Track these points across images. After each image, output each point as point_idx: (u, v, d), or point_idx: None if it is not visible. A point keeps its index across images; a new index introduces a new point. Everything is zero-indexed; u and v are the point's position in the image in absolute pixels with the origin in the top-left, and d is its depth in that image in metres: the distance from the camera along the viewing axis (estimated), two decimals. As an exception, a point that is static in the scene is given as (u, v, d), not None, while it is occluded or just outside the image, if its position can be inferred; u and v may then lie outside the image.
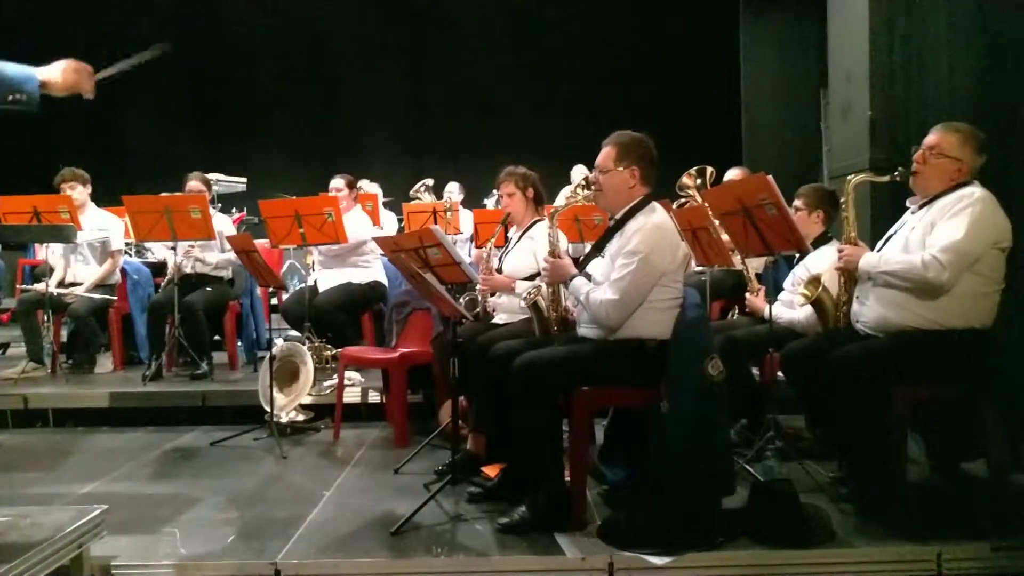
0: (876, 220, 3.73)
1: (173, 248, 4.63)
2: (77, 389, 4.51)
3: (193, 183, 4.94)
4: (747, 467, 2.98)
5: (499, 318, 3.49)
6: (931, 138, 2.72)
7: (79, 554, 2.19)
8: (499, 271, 3.52)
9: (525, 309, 3.05)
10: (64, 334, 5.20)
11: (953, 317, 2.57)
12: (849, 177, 2.90)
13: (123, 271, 5.17)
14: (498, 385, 2.75)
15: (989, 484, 2.73)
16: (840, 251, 2.83)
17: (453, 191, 7.10)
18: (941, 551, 2.32)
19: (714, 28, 8.47)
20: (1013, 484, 2.77)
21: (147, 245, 5.80)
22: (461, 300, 3.49)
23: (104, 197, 5.32)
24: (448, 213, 5.81)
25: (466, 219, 6.39)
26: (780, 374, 3.13)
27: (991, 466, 2.72)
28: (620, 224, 2.67)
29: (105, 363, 5.04)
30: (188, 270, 4.84)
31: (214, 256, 4.88)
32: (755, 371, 3.59)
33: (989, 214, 2.56)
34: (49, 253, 4.98)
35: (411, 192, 7.02)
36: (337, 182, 4.86)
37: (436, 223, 5.63)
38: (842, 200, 2.91)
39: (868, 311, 2.72)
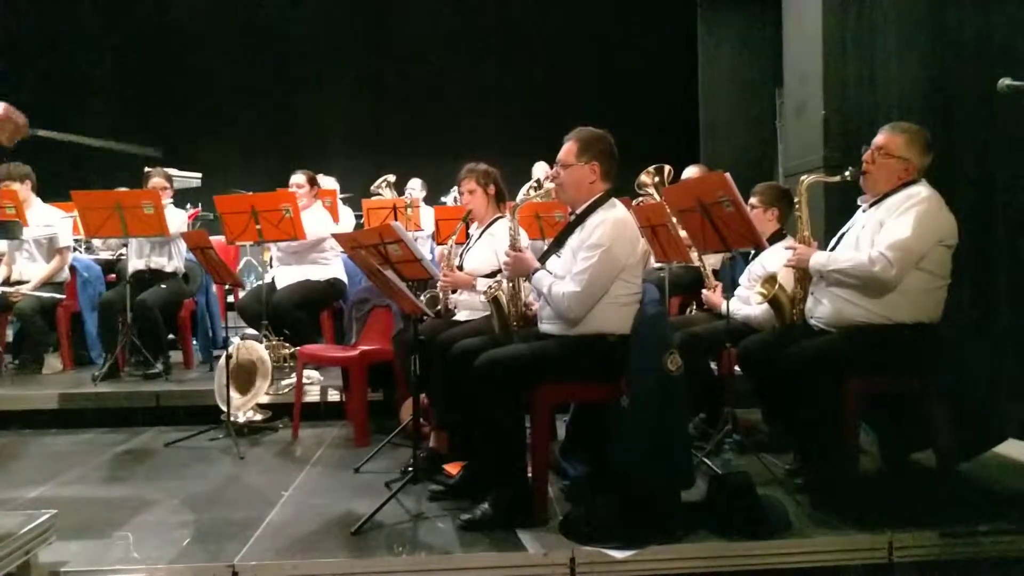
0: (829, 218, 3.82)
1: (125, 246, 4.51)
2: (24, 390, 4.36)
3: (156, 179, 4.82)
4: (706, 460, 3.03)
5: (460, 315, 3.48)
6: (879, 139, 2.79)
7: (26, 561, 2.13)
8: (460, 268, 3.51)
9: (486, 306, 3.05)
10: (10, 334, 5.03)
11: (902, 312, 2.64)
12: (802, 178, 2.97)
13: (73, 268, 5.02)
14: (460, 382, 2.74)
15: (937, 473, 2.82)
16: (792, 250, 2.89)
17: (415, 187, 7.04)
18: (892, 539, 2.38)
19: (672, 27, 8.57)
20: (959, 473, 2.86)
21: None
22: (422, 297, 3.47)
23: (52, 192, 5.15)
24: (409, 210, 5.77)
25: (427, 216, 6.35)
26: (737, 369, 3.19)
27: (939, 456, 2.81)
28: (581, 219, 2.69)
29: (53, 363, 4.89)
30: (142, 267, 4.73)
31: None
32: (713, 366, 3.64)
33: (935, 212, 2.63)
34: (-7, 250, 4.81)
35: (372, 188, 6.94)
36: (298, 178, 4.79)
37: (396, 219, 5.59)
38: (796, 200, 2.97)
39: (822, 308, 2.79)
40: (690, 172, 4.43)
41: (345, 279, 4.82)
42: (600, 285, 2.56)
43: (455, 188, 6.43)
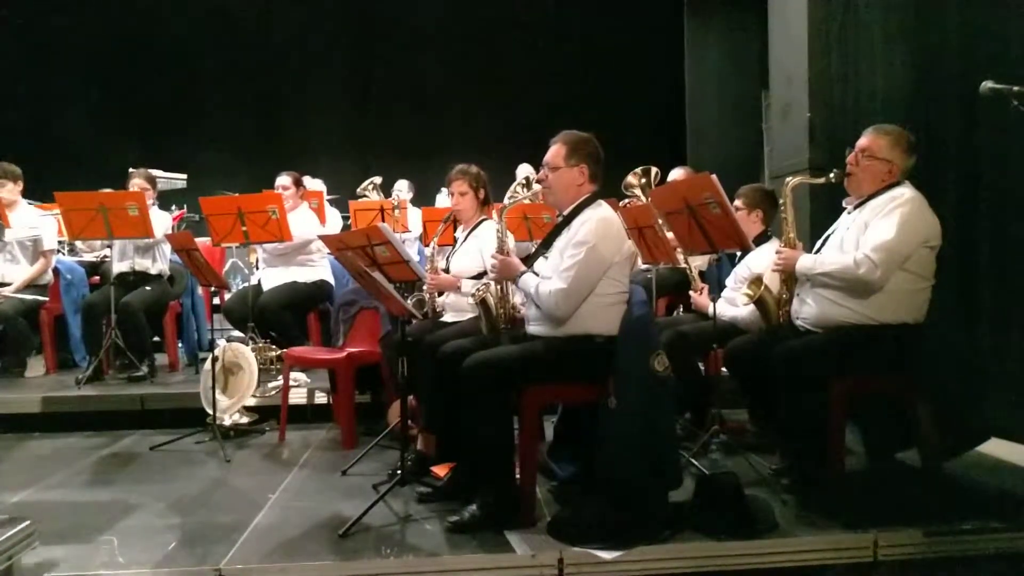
0: (815, 220, 3.85)
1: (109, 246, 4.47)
2: (7, 394, 4.30)
3: (137, 180, 4.78)
4: (693, 461, 3.04)
5: (448, 317, 3.48)
6: (863, 141, 2.81)
7: (9, 566, 2.10)
8: (446, 270, 3.51)
9: (474, 307, 3.05)
10: (-9, 337, 4.97)
11: (887, 313, 2.67)
12: (787, 179, 2.99)
13: (56, 270, 4.97)
14: (448, 384, 2.74)
15: (921, 473, 2.84)
16: (778, 253, 2.91)
17: (402, 189, 7.03)
18: (877, 538, 2.40)
19: (659, 29, 8.61)
20: (944, 472, 2.89)
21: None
22: (409, 299, 3.46)
23: (36, 194, 5.10)
24: (396, 211, 5.75)
25: (414, 217, 6.34)
26: (724, 369, 3.20)
27: (923, 455, 2.84)
28: (568, 220, 2.69)
29: (36, 366, 4.84)
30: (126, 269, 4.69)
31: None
32: (700, 366, 3.65)
33: (918, 214, 2.66)
34: (-26, 252, 4.75)
35: (358, 190, 6.93)
36: (283, 179, 4.77)
37: (384, 221, 5.57)
38: (781, 202, 2.99)
39: (808, 308, 2.81)
40: (676, 174, 4.44)
41: (332, 281, 4.80)
42: (586, 282, 2.57)
43: (445, 188, 6.45)
